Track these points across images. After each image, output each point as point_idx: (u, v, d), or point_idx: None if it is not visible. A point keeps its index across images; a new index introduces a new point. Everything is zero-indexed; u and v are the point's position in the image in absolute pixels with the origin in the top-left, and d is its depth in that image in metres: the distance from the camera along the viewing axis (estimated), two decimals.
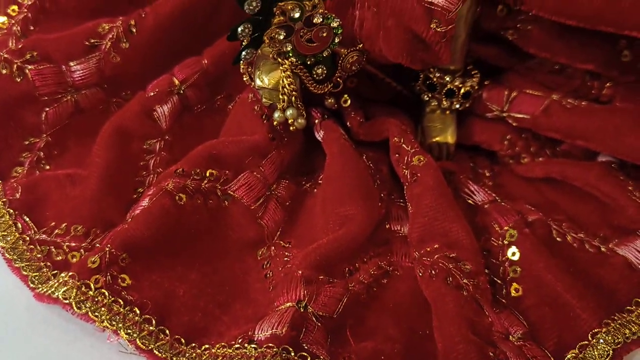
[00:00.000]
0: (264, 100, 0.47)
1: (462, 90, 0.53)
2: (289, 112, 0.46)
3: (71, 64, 0.51)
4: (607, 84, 0.55)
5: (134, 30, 0.52)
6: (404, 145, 0.50)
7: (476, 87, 0.54)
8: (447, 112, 0.55)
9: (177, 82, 0.53)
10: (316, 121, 0.53)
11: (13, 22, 0.55)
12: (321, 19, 0.43)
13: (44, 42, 0.51)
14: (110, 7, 0.55)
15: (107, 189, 0.49)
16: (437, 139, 0.55)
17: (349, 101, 0.53)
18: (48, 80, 0.51)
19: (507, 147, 0.55)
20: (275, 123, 0.48)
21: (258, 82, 0.46)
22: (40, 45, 0.51)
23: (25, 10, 0.55)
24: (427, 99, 0.54)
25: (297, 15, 0.42)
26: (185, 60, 0.54)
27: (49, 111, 0.52)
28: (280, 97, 0.46)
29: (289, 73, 0.45)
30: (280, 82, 0.45)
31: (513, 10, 0.52)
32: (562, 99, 0.54)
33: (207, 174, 0.48)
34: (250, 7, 0.40)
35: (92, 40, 0.51)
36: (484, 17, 0.53)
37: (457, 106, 0.54)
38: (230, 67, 0.55)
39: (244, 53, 0.43)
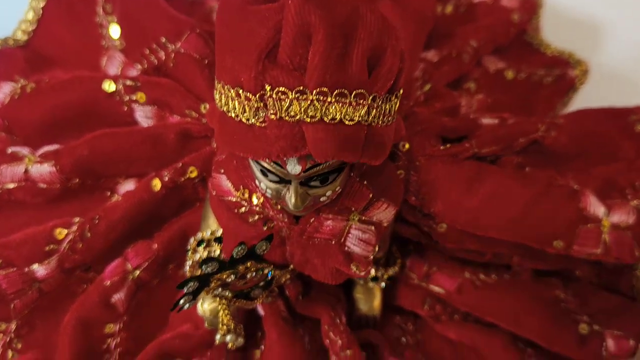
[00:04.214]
0: (206, 324, 0.54)
1: (386, 276, 0.60)
2: (227, 337, 0.53)
3: (33, 267, 0.57)
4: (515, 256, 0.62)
5: (89, 234, 0.57)
6: (331, 334, 0.58)
7: (398, 271, 0.61)
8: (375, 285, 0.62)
9: (130, 267, 0.59)
10: None
11: None
12: (254, 274, 0.49)
13: (7, 250, 0.56)
14: (63, 197, 0.60)
15: None
16: (365, 310, 0.62)
17: (288, 275, 0.60)
18: (14, 282, 0.57)
19: (427, 310, 0.63)
20: (216, 343, 0.55)
21: (200, 311, 0.53)
22: (3, 253, 0.56)
23: None
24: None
25: (231, 279, 0.48)
26: (137, 243, 0.60)
27: (17, 303, 0.58)
28: (220, 325, 0.53)
29: (227, 311, 0.52)
30: (220, 313, 0.52)
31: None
32: (474, 276, 0.61)
33: None
34: (189, 290, 0.46)
35: (51, 246, 0.57)
36: (405, 211, 0.59)
37: (383, 285, 0.61)
38: (179, 247, 0.61)
39: (186, 305, 0.50)
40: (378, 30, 0.40)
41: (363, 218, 0.52)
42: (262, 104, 0.40)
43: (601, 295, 0.62)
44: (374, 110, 0.42)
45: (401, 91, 0.46)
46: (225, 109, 0.43)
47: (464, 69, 0.65)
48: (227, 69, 0.42)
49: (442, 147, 0.56)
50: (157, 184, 0.57)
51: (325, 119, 0.40)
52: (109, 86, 0.58)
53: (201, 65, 0.58)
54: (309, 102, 0.40)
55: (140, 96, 0.58)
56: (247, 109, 0.41)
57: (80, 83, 0.59)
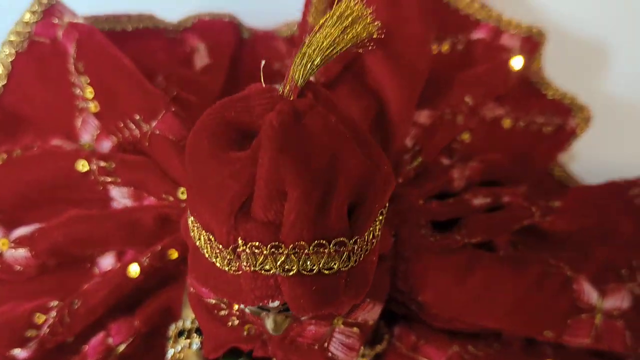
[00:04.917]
0: None
1: (372, 354, 0.59)
2: None
3: (14, 352, 0.56)
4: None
5: (68, 319, 0.56)
6: None
7: (386, 346, 0.60)
8: None
9: (113, 344, 0.58)
10: None
11: None
12: None
13: None
14: (43, 273, 0.58)
15: None
16: None
17: None
18: None
19: None
20: None
21: None
22: None
23: None
24: None
25: None
26: (119, 319, 0.59)
27: None
28: None
29: None
30: None
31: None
32: (462, 349, 0.60)
33: None
34: None
35: (31, 332, 0.56)
36: (392, 291, 0.57)
37: None
38: (163, 320, 0.60)
39: None
40: (359, 175, 0.38)
41: (348, 320, 0.50)
42: (234, 256, 0.38)
43: None
44: (355, 253, 0.39)
45: (387, 206, 0.44)
46: (198, 244, 0.41)
47: (458, 131, 0.62)
48: (198, 213, 0.39)
49: (432, 239, 0.54)
50: (135, 272, 0.55)
51: (303, 271, 0.38)
52: (82, 166, 0.55)
53: (177, 147, 0.54)
54: (284, 256, 0.37)
55: (115, 179, 0.55)
56: (219, 257, 0.39)
57: (54, 160, 0.56)
